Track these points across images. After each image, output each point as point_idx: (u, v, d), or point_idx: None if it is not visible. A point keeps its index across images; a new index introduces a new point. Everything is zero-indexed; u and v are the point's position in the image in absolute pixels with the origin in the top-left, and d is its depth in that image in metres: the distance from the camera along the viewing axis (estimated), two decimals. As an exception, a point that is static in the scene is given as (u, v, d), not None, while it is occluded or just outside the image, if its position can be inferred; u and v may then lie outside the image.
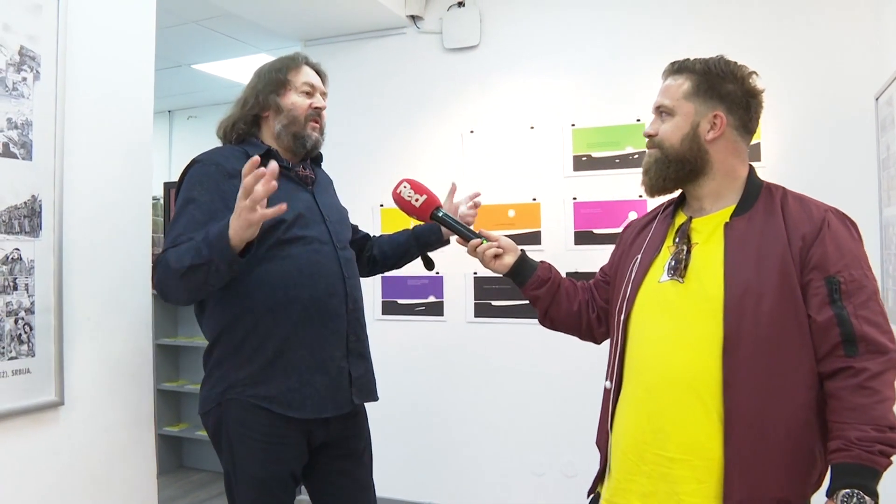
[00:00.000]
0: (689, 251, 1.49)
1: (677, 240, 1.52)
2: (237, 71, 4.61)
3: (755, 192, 1.52)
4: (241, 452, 1.79)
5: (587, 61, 3.33)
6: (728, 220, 1.49)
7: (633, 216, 3.17)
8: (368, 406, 2.03)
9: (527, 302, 3.41)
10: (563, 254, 3.29)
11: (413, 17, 3.64)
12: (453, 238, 2.02)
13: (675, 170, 1.53)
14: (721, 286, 1.41)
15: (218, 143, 1.99)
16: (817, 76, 3.01)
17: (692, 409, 1.40)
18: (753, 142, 3.07)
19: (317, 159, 2.06)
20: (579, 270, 3.24)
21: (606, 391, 1.58)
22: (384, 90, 3.71)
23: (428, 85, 3.63)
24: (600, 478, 1.60)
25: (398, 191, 1.82)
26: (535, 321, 3.34)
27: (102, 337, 1.83)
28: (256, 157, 1.53)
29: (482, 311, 3.44)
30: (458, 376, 3.48)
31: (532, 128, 3.39)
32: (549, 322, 1.84)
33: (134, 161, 1.97)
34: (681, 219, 1.56)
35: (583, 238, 3.27)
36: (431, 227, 2.22)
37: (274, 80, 1.92)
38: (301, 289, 1.80)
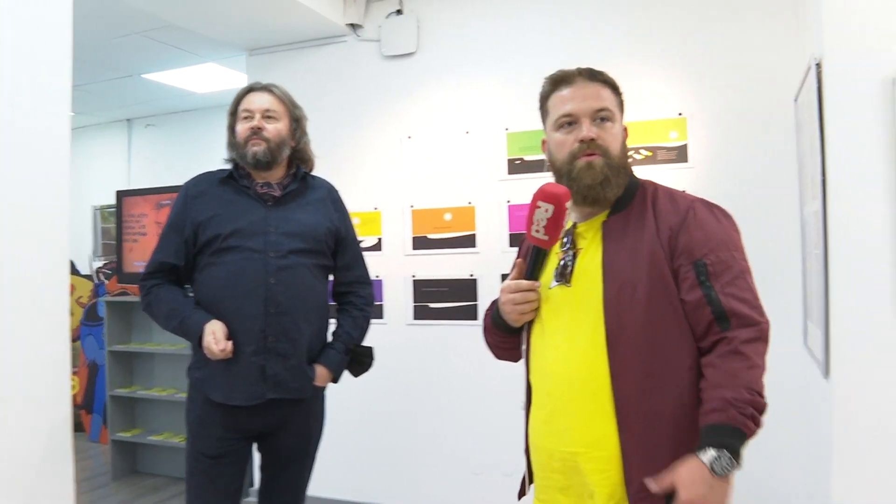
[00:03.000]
0: (574, 256, 1.54)
1: (566, 246, 1.56)
2: (187, 80, 4.67)
3: (632, 192, 1.57)
4: (187, 425, 2.21)
5: (521, 67, 3.40)
6: (605, 219, 1.55)
7: (564, 218, 3.24)
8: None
9: (464, 304, 3.58)
10: (498, 256, 3.35)
11: (353, 26, 3.71)
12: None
13: (620, 180, 1.53)
14: (600, 284, 1.47)
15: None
16: (741, 78, 3.08)
17: (586, 405, 1.46)
18: (680, 143, 3.18)
19: (305, 176, 2.31)
20: (513, 272, 3.31)
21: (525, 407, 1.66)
22: (326, 97, 3.77)
23: (368, 91, 3.69)
24: (528, 479, 1.67)
25: (537, 205, 1.48)
26: (473, 323, 3.45)
27: (16, 343, 1.86)
28: (223, 349, 2.03)
29: (421, 313, 3.50)
30: (399, 378, 3.54)
31: (468, 132, 3.46)
32: (501, 358, 1.81)
33: (47, 172, 1.99)
34: (566, 224, 1.59)
35: (517, 240, 3.33)
36: (365, 354, 2.42)
37: (230, 113, 2.28)
38: (225, 290, 2.12)
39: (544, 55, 3.35)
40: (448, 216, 3.46)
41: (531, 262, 1.52)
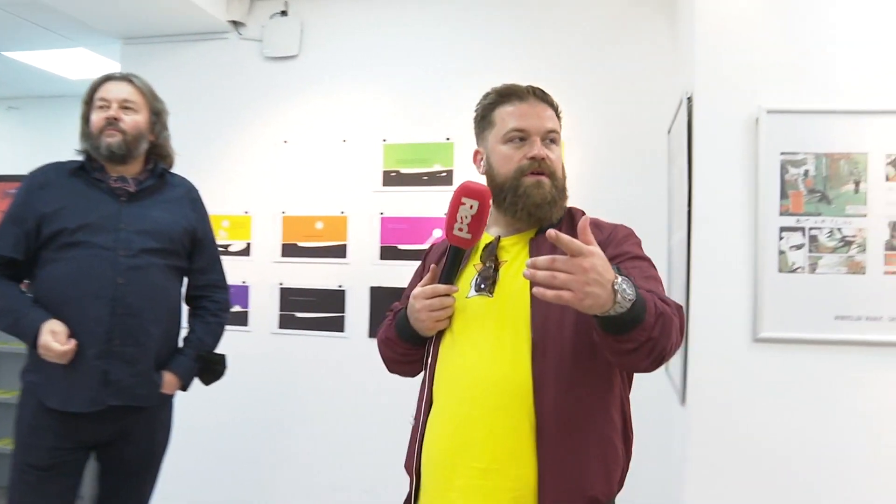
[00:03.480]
0: (496, 268, 1.50)
1: (487, 257, 1.52)
2: (56, 64, 4.39)
3: (561, 214, 1.59)
4: (15, 434, 2.06)
5: (403, 79, 3.38)
6: (533, 236, 1.53)
7: (437, 234, 3.24)
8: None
9: (331, 315, 3.51)
10: (367, 268, 3.31)
11: (235, 23, 3.59)
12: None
13: (562, 203, 1.55)
14: (527, 297, 1.43)
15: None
16: (618, 107, 3.18)
17: (503, 416, 1.41)
18: (553, 168, 3.23)
19: (163, 172, 2.21)
20: (383, 285, 3.28)
21: (416, 418, 1.57)
22: (203, 94, 3.63)
23: (246, 92, 3.58)
24: (413, 499, 1.55)
25: (461, 202, 1.42)
26: (340, 335, 3.39)
27: None
28: (65, 349, 1.91)
29: (287, 322, 3.40)
30: (261, 388, 3.42)
31: (345, 141, 3.41)
32: (396, 372, 1.74)
33: None
34: (486, 238, 1.54)
35: (388, 253, 3.30)
36: (217, 362, 2.32)
37: (85, 102, 2.16)
38: (68, 288, 2.00)
39: (426, 69, 3.35)
40: (320, 225, 3.39)
41: (449, 264, 1.47)
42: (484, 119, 1.62)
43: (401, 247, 3.29)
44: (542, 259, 1.19)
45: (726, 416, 2.17)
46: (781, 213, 2.42)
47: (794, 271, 2.40)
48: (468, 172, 3.21)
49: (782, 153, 2.41)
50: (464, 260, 1.49)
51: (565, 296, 1.17)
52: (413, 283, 1.71)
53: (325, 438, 3.35)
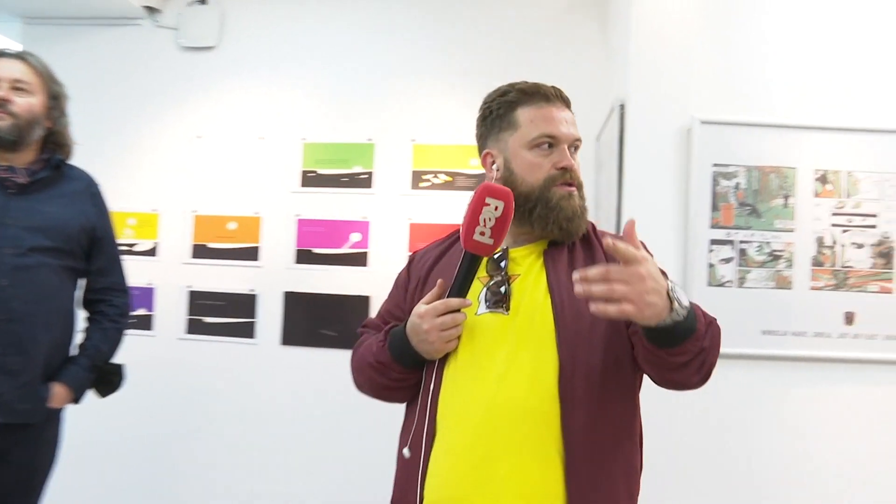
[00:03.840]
0: (507, 282, 1.38)
1: (497, 270, 1.40)
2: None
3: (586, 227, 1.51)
4: None
5: (325, 76, 3.25)
6: (546, 248, 1.42)
7: (355, 238, 3.11)
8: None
9: (242, 320, 3.32)
10: (281, 272, 3.16)
11: (150, 9, 3.39)
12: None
13: (587, 213, 1.46)
14: (550, 314, 1.32)
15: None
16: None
17: (529, 449, 1.26)
18: (480, 171, 3.15)
19: (60, 164, 2.02)
20: (297, 290, 3.13)
21: (403, 457, 1.37)
22: (111, 83, 3.41)
23: (159, 83, 3.38)
24: None
25: (486, 202, 1.30)
26: (250, 341, 3.21)
27: None
28: None
29: (195, 327, 3.21)
30: (165, 396, 3.21)
31: (262, 138, 3.25)
32: (383, 399, 1.52)
33: None
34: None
35: (304, 257, 3.15)
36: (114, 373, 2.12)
37: None
38: None
39: (349, 67, 3.23)
40: (232, 225, 3.21)
41: (463, 274, 1.32)
42: (502, 118, 1.47)
43: (317, 250, 3.15)
44: (595, 271, 1.12)
45: (652, 429, 2.11)
46: (712, 226, 2.40)
47: (722, 285, 2.38)
48: (389, 175, 3.14)
49: (714, 164, 2.39)
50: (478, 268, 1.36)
51: (628, 309, 1.10)
52: (395, 298, 1.54)
53: (233, 449, 3.16)
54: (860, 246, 2.43)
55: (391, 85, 3.20)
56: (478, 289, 1.37)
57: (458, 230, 1.50)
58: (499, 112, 1.47)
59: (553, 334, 1.31)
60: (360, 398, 3.10)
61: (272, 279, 3.17)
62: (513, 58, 3.14)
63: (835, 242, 2.43)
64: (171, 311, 3.24)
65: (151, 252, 3.27)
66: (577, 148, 1.45)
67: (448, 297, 1.33)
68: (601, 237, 1.45)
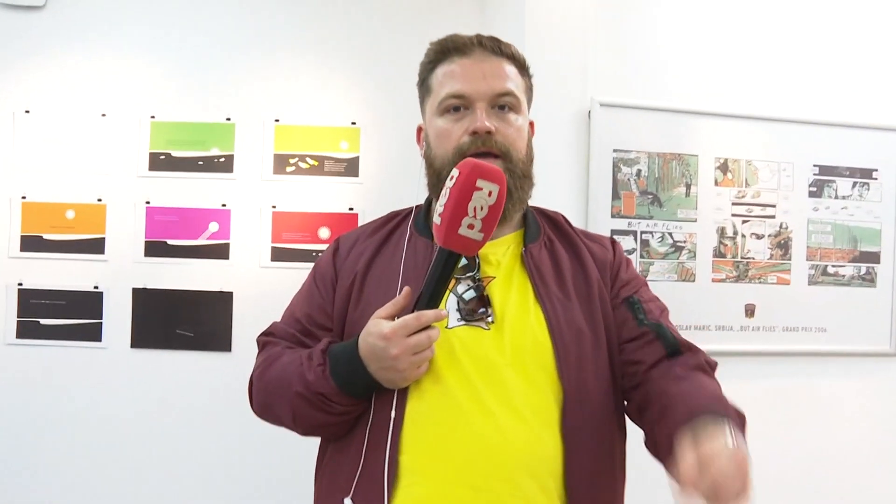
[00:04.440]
0: (481, 288, 1.14)
1: (459, 272, 1.15)
2: None
3: (533, 216, 1.29)
4: None
5: (178, 46, 2.88)
6: (521, 245, 1.21)
7: (214, 228, 2.82)
8: None
9: (85, 321, 2.91)
10: (129, 266, 2.81)
11: (-41, -42, 2.89)
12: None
13: (524, 194, 1.22)
14: (545, 330, 1.11)
15: None
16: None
17: (526, 497, 1.04)
18: (351, 154, 2.93)
19: None
20: (148, 286, 2.80)
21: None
22: (-84, 46, 2.91)
23: (-25, 47, 2.90)
24: None
25: (476, 186, 1.02)
26: (95, 345, 2.86)
27: None
28: None
29: (27, 330, 2.82)
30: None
31: (104, 115, 2.86)
32: (313, 435, 1.21)
33: None
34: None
35: (155, 249, 2.82)
36: None
37: None
38: None
39: (207, 36, 2.89)
40: (70, 213, 2.83)
41: (437, 278, 1.03)
42: (421, 85, 1.30)
43: (171, 242, 2.82)
44: (689, 467, 0.85)
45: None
46: (613, 216, 2.31)
47: None
48: (250, 158, 2.84)
49: (615, 150, 2.29)
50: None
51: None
52: (317, 299, 1.23)
53: (76, 466, 2.82)
54: (759, 237, 2.43)
55: (254, 59, 2.89)
56: (443, 294, 1.10)
57: (396, 213, 1.32)
58: (421, 77, 1.30)
59: (551, 356, 1.10)
60: (224, 403, 2.84)
61: (120, 274, 2.82)
62: (384, 36, 2.92)
63: (736, 233, 2.41)
64: (-5, 312, 2.83)
65: (-29, 245, 2.83)
66: (508, 107, 1.20)
67: (416, 308, 1.04)
68: (576, 229, 1.31)
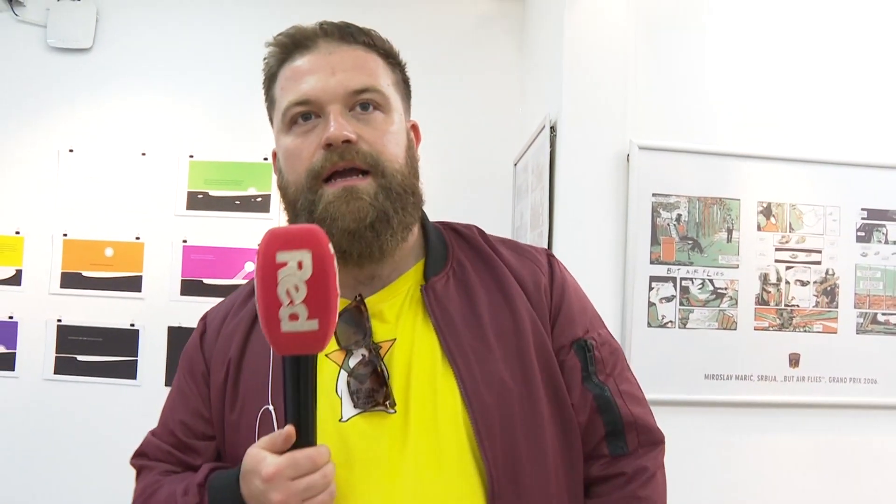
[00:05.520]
0: (376, 355, 0.88)
1: (349, 340, 0.90)
2: None
3: (440, 237, 1.00)
4: None
5: (215, 86, 2.93)
6: (422, 282, 0.94)
7: (250, 267, 2.83)
8: None
9: (122, 358, 2.83)
10: (166, 304, 2.84)
11: (11, 1, 2.98)
12: None
13: (407, 217, 0.92)
14: (457, 397, 0.86)
15: None
16: (464, 134, 2.94)
17: None
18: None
19: None
20: (184, 325, 2.82)
21: None
22: (-33, 86, 2.99)
23: (23, 87, 2.96)
24: None
25: (276, 262, 0.75)
26: (132, 382, 2.87)
27: None
28: None
29: (65, 366, 2.84)
30: (31, 444, 2.83)
31: (144, 154, 2.91)
32: None
33: None
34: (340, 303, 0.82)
35: (191, 288, 2.85)
36: None
37: None
38: None
39: (244, 77, 2.90)
40: (109, 251, 2.87)
41: (294, 395, 0.76)
42: (267, 99, 1.02)
43: (206, 281, 2.84)
44: None
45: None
46: (652, 262, 2.25)
47: (664, 326, 2.24)
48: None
49: (654, 194, 2.24)
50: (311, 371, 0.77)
51: None
52: (190, 399, 1.00)
53: (111, 500, 2.83)
54: (804, 283, 2.35)
55: (290, 97, 2.92)
56: (332, 375, 0.89)
57: (243, 292, 1.05)
58: (266, 90, 1.02)
59: (469, 433, 0.85)
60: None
61: (156, 312, 2.84)
62: (424, 74, 2.92)
63: (780, 279, 2.33)
64: (36, 348, 2.85)
65: (14, 280, 2.87)
66: (372, 105, 0.92)
67: (298, 435, 0.76)
68: (495, 246, 1.02)
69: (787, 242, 2.36)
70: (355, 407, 0.87)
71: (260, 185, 2.87)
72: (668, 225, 2.28)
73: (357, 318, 0.90)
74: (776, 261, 2.35)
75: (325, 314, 0.74)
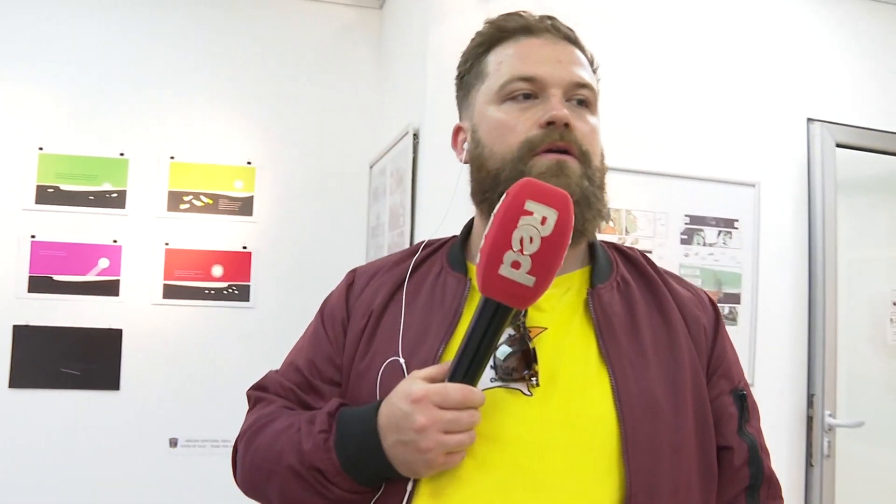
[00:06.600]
0: (525, 339, 0.86)
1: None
2: None
3: (605, 252, 1.01)
4: None
5: (71, 76, 2.83)
6: (588, 287, 0.93)
7: (104, 264, 2.76)
8: None
9: None
10: (11, 302, 2.72)
11: None
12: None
13: (602, 208, 0.93)
14: (609, 400, 0.84)
15: None
16: (322, 136, 3.00)
17: None
18: (246, 194, 2.95)
19: None
20: (31, 323, 2.72)
21: None
22: None
23: None
24: None
25: (524, 209, 0.76)
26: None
27: None
28: None
29: None
30: None
31: (-14, 145, 2.77)
32: None
33: None
34: None
35: (40, 285, 2.74)
36: None
37: None
38: None
39: (102, 69, 2.85)
40: (-53, 247, 2.71)
41: (479, 339, 0.77)
42: (471, 72, 1.00)
43: (57, 277, 2.75)
44: None
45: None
46: None
47: None
48: (143, 195, 2.82)
49: None
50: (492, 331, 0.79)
51: None
52: (323, 343, 0.98)
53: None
54: None
55: (147, 94, 2.87)
56: (485, 362, 0.86)
57: (430, 243, 1.06)
58: (469, 64, 1.01)
59: (615, 436, 0.83)
60: (112, 442, 2.78)
61: (0, 310, 2.72)
62: (282, 76, 2.97)
63: None
64: None
65: None
66: (586, 102, 0.94)
67: (450, 378, 0.78)
68: (660, 272, 1.02)
69: (623, 243, 2.61)
70: (494, 379, 0.85)
71: (115, 181, 2.81)
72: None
73: None
74: (612, 259, 2.61)
75: (544, 275, 0.76)
